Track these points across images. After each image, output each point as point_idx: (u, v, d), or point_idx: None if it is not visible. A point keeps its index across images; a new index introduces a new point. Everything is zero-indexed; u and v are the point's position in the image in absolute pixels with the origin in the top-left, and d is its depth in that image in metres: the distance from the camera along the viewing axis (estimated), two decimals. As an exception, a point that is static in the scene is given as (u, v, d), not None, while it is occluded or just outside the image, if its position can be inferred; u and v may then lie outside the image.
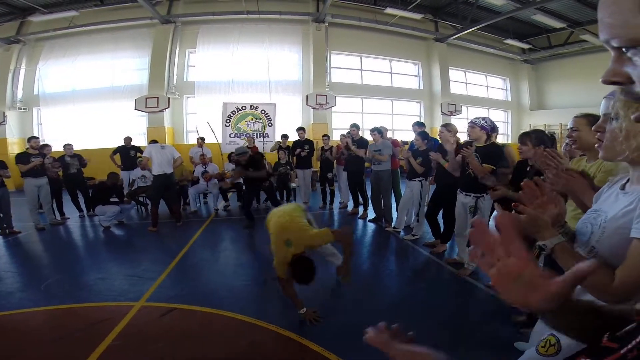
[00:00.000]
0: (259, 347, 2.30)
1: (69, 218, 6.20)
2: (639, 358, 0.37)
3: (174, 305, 2.83)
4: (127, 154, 7.18)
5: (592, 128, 1.46)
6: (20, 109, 11.05)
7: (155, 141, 6.17)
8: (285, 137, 7.21)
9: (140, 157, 6.73)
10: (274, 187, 5.84)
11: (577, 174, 1.29)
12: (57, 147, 6.83)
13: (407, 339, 0.68)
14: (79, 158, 6.41)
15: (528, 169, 2.62)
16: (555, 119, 13.17)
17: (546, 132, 2.98)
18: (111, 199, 5.58)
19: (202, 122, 8.87)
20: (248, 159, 5.22)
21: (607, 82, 0.44)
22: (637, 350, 0.38)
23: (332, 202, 6.70)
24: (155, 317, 2.67)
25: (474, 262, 3.23)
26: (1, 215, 5.19)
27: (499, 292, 0.53)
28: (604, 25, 0.40)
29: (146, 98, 10.28)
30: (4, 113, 10.51)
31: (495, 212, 3.28)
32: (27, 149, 5.59)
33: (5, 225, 5.19)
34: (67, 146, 6.40)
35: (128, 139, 7.35)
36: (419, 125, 5.00)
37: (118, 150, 7.25)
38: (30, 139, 5.69)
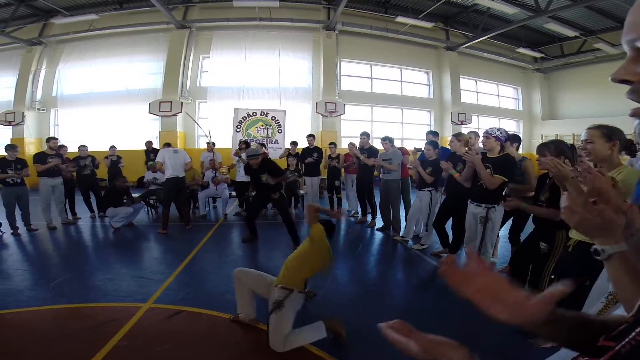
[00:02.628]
0: (264, 351, 2.29)
1: (80, 218, 6.31)
2: (631, 352, 0.40)
3: (181, 308, 2.84)
4: (148, 157, 7.50)
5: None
6: (38, 109, 11.40)
7: (168, 144, 6.27)
8: (294, 144, 7.24)
9: (151, 162, 6.87)
10: (285, 200, 5.19)
11: (607, 173, 1.26)
12: (73, 148, 7.00)
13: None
14: (92, 159, 6.55)
15: (547, 180, 2.56)
16: (567, 129, 12.98)
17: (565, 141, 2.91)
18: (124, 201, 5.67)
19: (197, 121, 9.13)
20: (261, 163, 4.65)
21: (616, 80, 0.44)
22: (630, 346, 0.41)
23: (339, 209, 6.68)
24: (162, 319, 2.68)
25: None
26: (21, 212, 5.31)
27: (483, 309, 0.59)
28: (637, 26, 0.40)
29: (160, 102, 10.50)
30: (23, 113, 10.84)
31: (510, 225, 3.17)
32: (46, 149, 5.73)
33: (17, 225, 5.29)
34: (82, 147, 6.56)
35: (148, 143, 7.82)
36: (433, 134, 4.96)
37: (145, 154, 7.70)
38: (49, 139, 5.84)
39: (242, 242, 4.72)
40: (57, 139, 5.97)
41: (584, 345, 0.56)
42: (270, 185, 4.63)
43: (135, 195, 6.14)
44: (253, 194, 5.41)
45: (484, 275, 0.61)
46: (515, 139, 3.75)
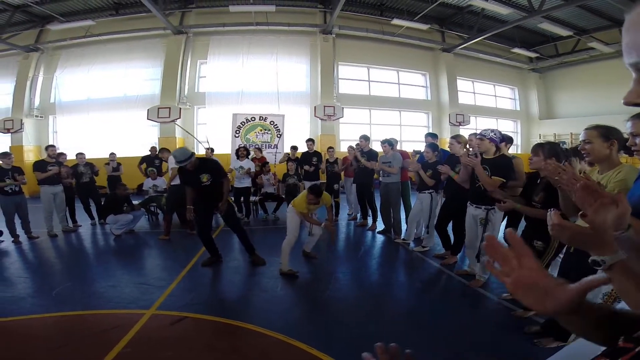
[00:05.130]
0: (268, 356, 2.30)
1: (81, 225, 6.30)
2: None
3: (184, 314, 2.84)
4: (152, 163, 7.19)
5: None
6: (36, 116, 11.37)
7: (166, 150, 6.21)
8: (294, 148, 7.24)
9: (151, 169, 6.84)
10: (234, 209, 4.44)
11: (592, 179, 1.27)
12: (72, 155, 6.98)
13: (405, 358, 0.70)
14: (91, 167, 6.54)
15: (539, 181, 2.60)
16: (565, 128, 13.05)
17: (559, 144, 2.94)
18: (123, 208, 5.66)
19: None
20: (199, 163, 3.96)
21: (629, 103, 0.44)
22: None
23: (337, 214, 6.65)
24: (166, 325, 2.68)
25: (488, 273, 3.21)
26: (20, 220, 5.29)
27: (516, 298, 0.59)
28: (638, 47, 0.40)
29: (158, 108, 10.51)
30: (21, 120, 10.82)
31: (505, 224, 3.25)
32: (45, 157, 5.73)
33: (18, 233, 5.28)
34: (79, 155, 6.55)
35: (153, 149, 7.56)
36: (432, 136, 4.97)
37: (144, 160, 7.34)
38: (47, 147, 5.88)
39: (202, 266, 4.02)
40: (55, 146, 5.98)
41: (611, 341, 0.56)
42: (214, 191, 3.98)
43: (135, 202, 6.13)
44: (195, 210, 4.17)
45: (519, 261, 0.60)
46: (506, 139, 3.78)
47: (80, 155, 6.55)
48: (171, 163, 5.31)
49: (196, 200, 4.00)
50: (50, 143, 10.62)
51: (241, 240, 4.18)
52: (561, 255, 2.34)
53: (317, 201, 3.82)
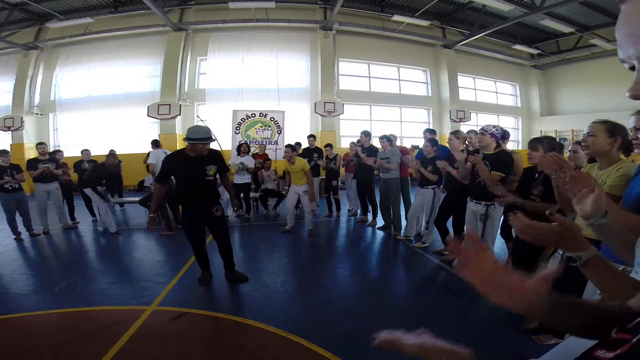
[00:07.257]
0: (268, 352, 2.31)
1: (79, 222, 6.31)
2: None
3: (185, 310, 2.86)
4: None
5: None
6: (37, 114, 11.37)
7: (156, 143, 6.11)
8: (298, 144, 7.23)
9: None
10: (225, 219, 3.63)
11: (592, 177, 1.27)
12: (73, 153, 6.99)
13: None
14: (94, 163, 6.55)
15: (537, 175, 2.60)
16: (566, 125, 13.02)
17: (557, 138, 2.95)
18: (99, 187, 5.63)
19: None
20: (207, 154, 3.22)
21: (636, 97, 0.44)
22: None
23: (338, 209, 6.68)
24: (167, 321, 2.70)
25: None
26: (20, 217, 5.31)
27: (486, 297, 0.60)
28: (636, 38, 0.39)
29: (158, 105, 10.50)
30: (21, 118, 10.82)
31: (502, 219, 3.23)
32: (38, 155, 5.74)
33: (20, 230, 5.30)
34: (85, 151, 6.57)
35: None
36: (430, 132, 4.98)
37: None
38: (38, 144, 5.90)
39: (200, 285, 3.38)
40: (44, 144, 6.00)
41: (593, 333, 0.57)
42: (212, 189, 3.32)
43: (136, 198, 6.13)
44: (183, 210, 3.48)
45: (482, 259, 0.61)
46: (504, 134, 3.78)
47: (85, 151, 6.59)
48: (152, 159, 5.24)
49: (187, 199, 3.28)
50: (51, 141, 10.61)
51: (225, 253, 3.51)
52: (560, 252, 2.34)
53: (292, 155, 4.80)
